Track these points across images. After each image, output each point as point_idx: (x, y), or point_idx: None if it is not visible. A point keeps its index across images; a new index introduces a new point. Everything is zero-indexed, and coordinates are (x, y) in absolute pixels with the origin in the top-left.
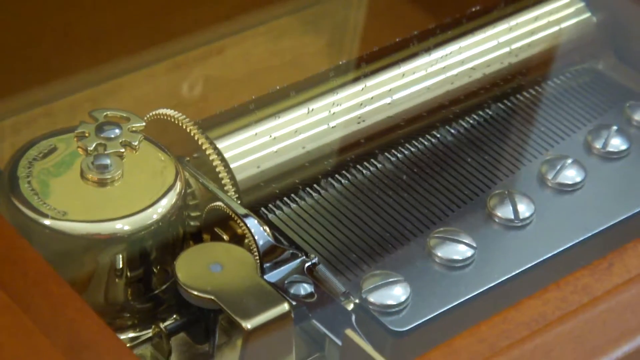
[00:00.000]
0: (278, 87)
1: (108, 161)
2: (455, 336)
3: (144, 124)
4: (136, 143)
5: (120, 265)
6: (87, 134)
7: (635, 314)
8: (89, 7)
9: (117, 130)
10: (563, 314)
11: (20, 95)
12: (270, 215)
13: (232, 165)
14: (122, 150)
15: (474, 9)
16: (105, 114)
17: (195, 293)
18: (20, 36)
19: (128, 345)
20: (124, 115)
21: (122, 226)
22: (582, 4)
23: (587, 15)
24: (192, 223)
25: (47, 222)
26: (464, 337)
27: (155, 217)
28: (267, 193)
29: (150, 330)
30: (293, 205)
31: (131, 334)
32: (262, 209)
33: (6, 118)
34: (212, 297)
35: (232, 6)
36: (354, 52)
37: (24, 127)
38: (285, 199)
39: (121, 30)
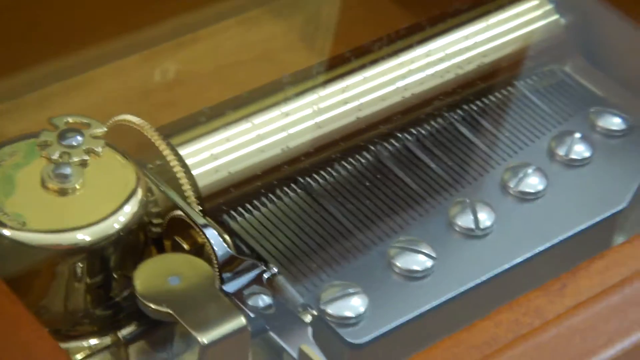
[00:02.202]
0: (241, 94)
1: (69, 170)
2: (407, 359)
3: (105, 129)
4: (99, 149)
5: (81, 276)
6: (49, 143)
7: (584, 340)
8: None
9: (79, 138)
10: (515, 338)
11: None
12: (231, 223)
13: (193, 172)
14: (87, 158)
15: (440, 12)
16: (65, 120)
17: (153, 306)
18: None
19: (86, 353)
20: (85, 121)
21: (83, 236)
22: (550, 6)
23: (555, 17)
24: (154, 231)
25: (5, 232)
26: None
27: (116, 226)
28: (228, 200)
29: (108, 338)
30: (255, 213)
31: (90, 341)
32: (224, 215)
33: None
34: (169, 311)
35: None
36: (326, 46)
37: None
38: (247, 205)
39: (89, 23)
